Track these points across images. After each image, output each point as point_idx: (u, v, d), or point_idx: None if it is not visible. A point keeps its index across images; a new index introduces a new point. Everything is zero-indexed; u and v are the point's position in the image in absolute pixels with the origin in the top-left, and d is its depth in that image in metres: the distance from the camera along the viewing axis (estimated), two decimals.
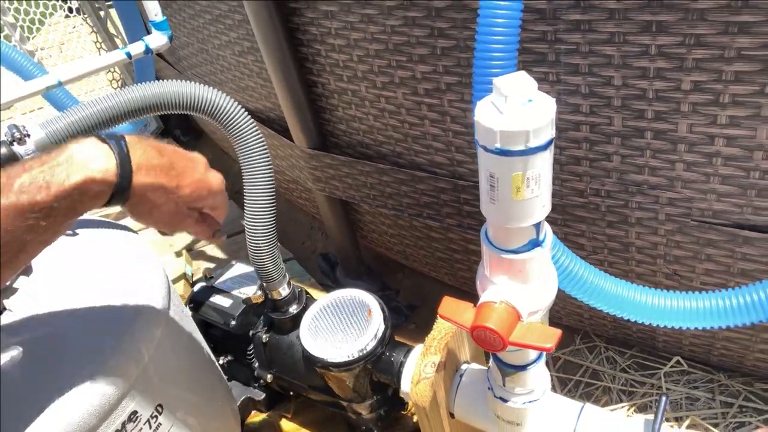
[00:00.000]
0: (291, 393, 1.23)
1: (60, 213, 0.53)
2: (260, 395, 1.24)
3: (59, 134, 0.86)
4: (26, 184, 0.51)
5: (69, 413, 0.69)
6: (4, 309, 0.77)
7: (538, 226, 0.62)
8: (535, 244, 0.63)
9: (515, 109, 0.54)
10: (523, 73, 0.56)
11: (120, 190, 0.57)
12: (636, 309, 0.73)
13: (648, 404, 1.10)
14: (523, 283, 0.66)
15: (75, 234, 0.92)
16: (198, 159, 0.68)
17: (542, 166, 0.56)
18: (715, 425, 1.04)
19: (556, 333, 0.64)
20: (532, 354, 0.74)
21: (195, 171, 0.66)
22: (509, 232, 0.62)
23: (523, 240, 0.63)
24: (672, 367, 1.14)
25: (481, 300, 0.68)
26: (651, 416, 1.08)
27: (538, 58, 0.85)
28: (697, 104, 0.78)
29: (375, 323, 0.98)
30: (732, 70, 0.73)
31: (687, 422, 1.05)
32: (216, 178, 0.69)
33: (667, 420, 1.06)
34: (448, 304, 0.71)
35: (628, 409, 1.11)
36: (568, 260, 0.73)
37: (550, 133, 0.54)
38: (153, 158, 0.60)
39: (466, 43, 0.92)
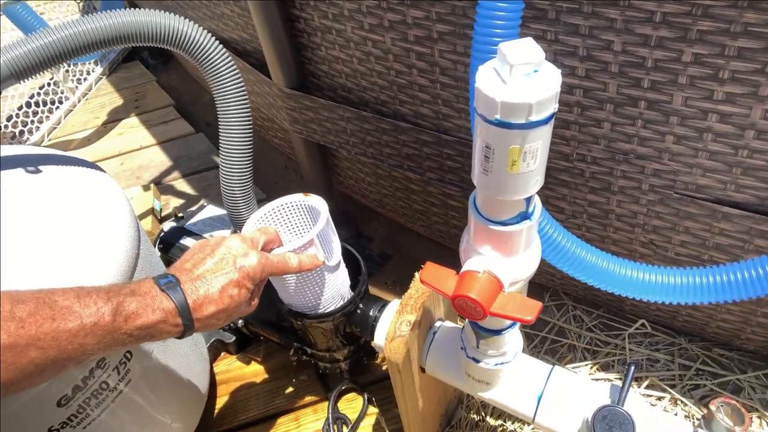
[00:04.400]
0: (261, 337, 1.23)
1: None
2: (230, 338, 1.24)
3: (18, 62, 0.80)
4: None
5: None
6: None
7: (528, 200, 0.61)
8: (524, 216, 0.62)
9: (519, 79, 0.51)
10: (530, 40, 0.52)
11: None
12: (618, 282, 0.73)
13: (610, 363, 1.14)
14: (508, 255, 0.65)
15: (38, 171, 0.87)
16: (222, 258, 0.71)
17: (541, 140, 0.54)
18: (672, 386, 1.08)
19: (537, 305, 0.64)
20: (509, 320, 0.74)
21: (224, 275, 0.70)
22: (499, 204, 0.60)
23: (512, 213, 0.61)
24: (636, 329, 1.17)
25: (464, 268, 0.67)
26: (614, 376, 1.12)
27: (537, 14, 0.81)
28: (696, 77, 0.75)
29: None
30: (736, 46, 0.70)
31: (646, 383, 1.09)
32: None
33: None
34: (430, 270, 0.69)
35: (591, 368, 1.14)
36: (554, 231, 0.72)
37: (553, 107, 0.52)
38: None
39: None
